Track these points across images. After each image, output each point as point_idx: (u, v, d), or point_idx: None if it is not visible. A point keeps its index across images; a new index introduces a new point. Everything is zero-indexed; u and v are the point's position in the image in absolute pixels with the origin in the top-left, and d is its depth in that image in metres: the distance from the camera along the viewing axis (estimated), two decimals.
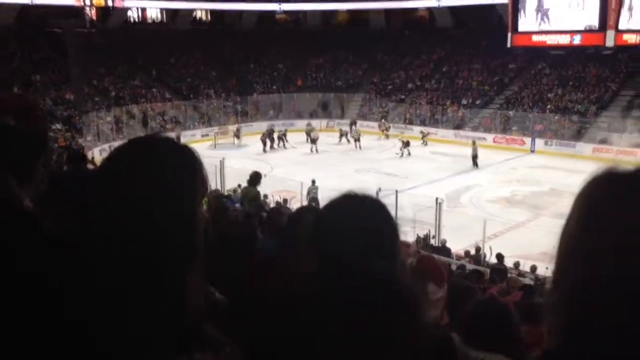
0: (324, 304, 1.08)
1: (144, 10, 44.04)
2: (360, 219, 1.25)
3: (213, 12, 45.80)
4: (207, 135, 32.50)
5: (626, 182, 0.81)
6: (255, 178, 10.13)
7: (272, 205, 17.23)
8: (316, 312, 1.08)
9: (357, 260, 1.13)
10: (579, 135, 29.22)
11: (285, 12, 45.59)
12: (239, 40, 41.69)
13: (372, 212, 1.29)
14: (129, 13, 42.95)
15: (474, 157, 25.82)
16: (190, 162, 1.05)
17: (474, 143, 26.71)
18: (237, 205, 14.24)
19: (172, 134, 29.04)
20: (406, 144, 27.98)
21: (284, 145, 30.60)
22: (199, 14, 46.59)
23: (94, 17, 37.12)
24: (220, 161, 18.65)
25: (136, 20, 44.47)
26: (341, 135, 31.85)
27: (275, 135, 30.81)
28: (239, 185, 18.34)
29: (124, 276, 0.92)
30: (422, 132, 31.65)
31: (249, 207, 8.80)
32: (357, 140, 30.56)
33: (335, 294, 1.08)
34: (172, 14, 43.57)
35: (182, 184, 1.00)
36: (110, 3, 36.59)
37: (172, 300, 0.96)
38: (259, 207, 8.70)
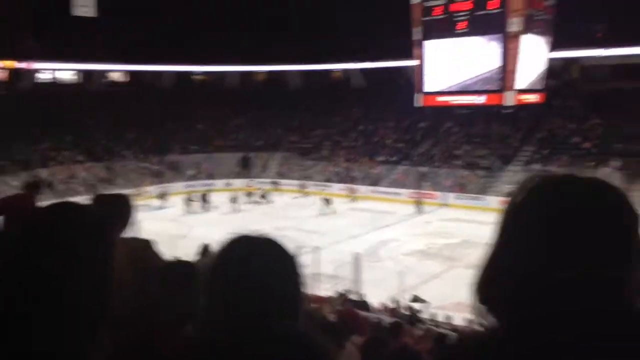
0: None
1: (56, 71, 43.02)
2: (258, 264, 1.20)
3: (131, 72, 45.48)
4: None
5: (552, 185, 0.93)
6: (205, 251, 9.82)
7: None
8: None
9: (259, 318, 1.13)
10: (486, 189, 30.89)
11: (204, 72, 46.06)
12: (157, 100, 41.44)
13: (270, 257, 1.24)
14: (41, 75, 41.79)
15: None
16: (103, 230, 1.09)
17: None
18: None
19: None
20: (328, 202, 28.41)
21: (205, 206, 30.16)
22: (114, 75, 46.05)
23: (5, 79, 35.95)
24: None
25: (49, 82, 43.25)
26: (262, 196, 31.94)
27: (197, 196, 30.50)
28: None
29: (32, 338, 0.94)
30: (350, 188, 32.46)
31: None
32: (262, 197, 31.65)
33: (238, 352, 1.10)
34: (86, 75, 42.86)
35: (95, 251, 1.04)
36: (19, 65, 35.63)
37: None
38: None
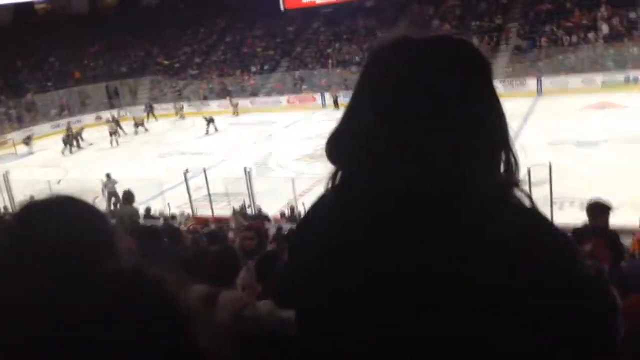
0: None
1: None
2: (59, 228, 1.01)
3: None
4: None
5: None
6: (129, 196, 9.70)
7: None
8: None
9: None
10: None
11: (47, 1, 41.57)
12: None
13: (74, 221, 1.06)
14: None
15: (336, 100, 29.12)
16: None
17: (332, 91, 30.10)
18: None
19: None
20: (210, 120, 27.65)
21: (78, 145, 28.13)
22: None
23: None
24: (4, 176, 16.78)
25: None
26: (137, 125, 30.33)
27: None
28: (32, 197, 16.74)
29: None
30: (231, 101, 31.69)
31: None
32: (140, 125, 29.96)
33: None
34: None
35: None
36: None
37: None
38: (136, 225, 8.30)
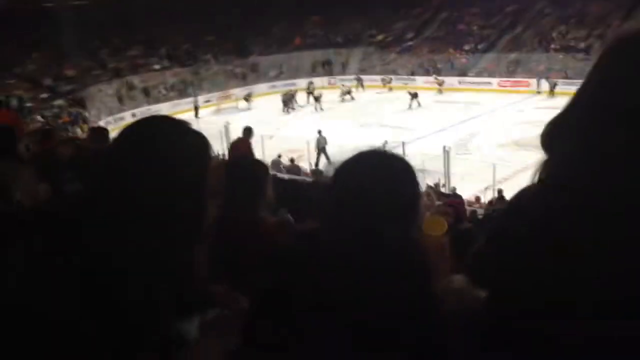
0: (334, 260, 1.09)
1: None
2: (382, 178, 1.17)
3: None
4: (210, 100, 32.36)
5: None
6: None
7: (284, 164, 17.32)
8: (327, 267, 1.09)
9: (374, 224, 1.12)
10: (585, 72, 28.77)
11: None
12: (232, 3, 40.94)
13: (394, 172, 1.21)
14: None
15: (553, 88, 27.25)
16: (197, 143, 1.09)
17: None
18: None
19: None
20: (414, 96, 27.67)
21: (292, 107, 30.25)
22: None
23: None
24: (225, 126, 18.60)
25: None
26: (343, 93, 31.48)
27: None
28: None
29: (138, 250, 0.97)
30: (436, 78, 31.37)
31: None
32: (317, 99, 29.26)
33: (345, 252, 1.10)
34: None
35: (189, 164, 1.05)
36: None
37: (181, 271, 1.03)
38: None
